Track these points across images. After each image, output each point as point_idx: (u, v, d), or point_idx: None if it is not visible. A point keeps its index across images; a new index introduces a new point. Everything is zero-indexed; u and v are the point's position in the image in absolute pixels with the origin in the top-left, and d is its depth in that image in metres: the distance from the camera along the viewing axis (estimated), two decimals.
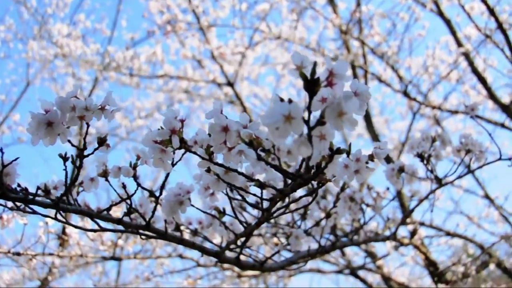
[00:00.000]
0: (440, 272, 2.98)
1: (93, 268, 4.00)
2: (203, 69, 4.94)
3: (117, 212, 1.40)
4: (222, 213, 1.12)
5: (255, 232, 1.44)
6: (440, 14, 4.42)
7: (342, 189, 1.20)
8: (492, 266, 3.53)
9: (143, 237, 1.08)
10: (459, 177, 1.47)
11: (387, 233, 1.81)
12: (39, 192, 1.03)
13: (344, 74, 0.51)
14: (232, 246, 1.14)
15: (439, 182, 1.45)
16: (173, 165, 0.89)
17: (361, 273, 3.98)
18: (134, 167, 1.03)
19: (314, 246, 1.40)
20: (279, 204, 0.90)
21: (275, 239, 1.49)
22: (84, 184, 1.08)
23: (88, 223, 1.70)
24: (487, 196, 4.61)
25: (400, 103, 6.65)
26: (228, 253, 1.18)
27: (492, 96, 4.08)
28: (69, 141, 0.86)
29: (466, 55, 4.26)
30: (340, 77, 0.51)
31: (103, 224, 1.04)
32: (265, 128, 0.56)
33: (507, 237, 3.51)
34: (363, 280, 3.96)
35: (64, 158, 0.94)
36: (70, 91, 0.87)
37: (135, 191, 1.03)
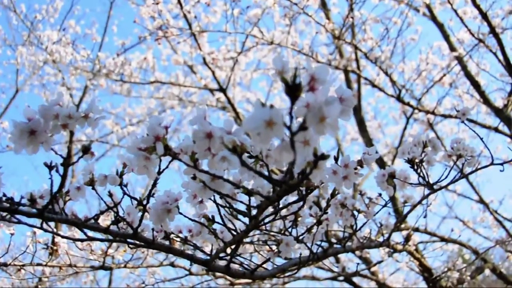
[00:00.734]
0: (435, 278, 2.97)
1: (85, 277, 3.97)
2: (195, 74, 4.93)
3: (107, 221, 1.38)
4: (211, 221, 1.11)
5: (247, 239, 1.43)
6: (433, 18, 4.44)
7: (333, 195, 1.19)
8: (487, 271, 3.53)
9: (131, 246, 1.06)
10: (452, 182, 1.46)
11: (381, 239, 1.80)
12: (26, 201, 1.01)
13: (326, 79, 0.50)
14: (222, 255, 1.13)
15: (431, 188, 1.43)
16: (159, 172, 0.87)
17: (355, 279, 3.96)
18: (121, 175, 1.01)
19: (306, 253, 1.38)
20: (269, 211, 0.88)
21: (267, 247, 1.47)
22: (71, 193, 1.06)
23: (77, 233, 1.67)
24: (481, 201, 4.61)
25: (394, 108, 6.66)
26: (219, 261, 1.16)
27: (485, 100, 4.09)
28: (52, 149, 0.84)
29: (459, 59, 4.27)
30: (322, 82, 0.51)
31: (91, 233, 1.03)
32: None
33: (502, 242, 3.51)
34: (358, 287, 3.94)
35: (50, 167, 0.92)
36: (53, 99, 0.85)
37: (121, 199, 1.02)
